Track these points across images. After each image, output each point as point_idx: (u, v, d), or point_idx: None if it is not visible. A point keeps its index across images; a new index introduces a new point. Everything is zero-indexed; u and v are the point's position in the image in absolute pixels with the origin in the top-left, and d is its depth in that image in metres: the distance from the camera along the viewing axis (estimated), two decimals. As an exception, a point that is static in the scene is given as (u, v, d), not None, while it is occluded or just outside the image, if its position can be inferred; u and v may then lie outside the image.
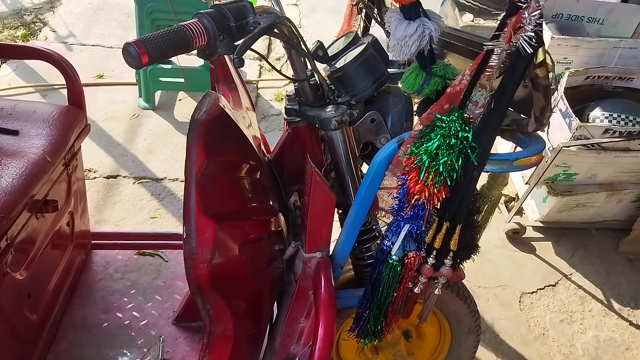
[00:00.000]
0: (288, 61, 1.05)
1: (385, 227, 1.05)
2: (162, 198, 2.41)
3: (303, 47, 1.00)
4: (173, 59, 2.85)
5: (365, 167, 1.11)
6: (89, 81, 3.03)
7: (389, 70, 1.11)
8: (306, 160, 1.08)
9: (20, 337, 1.26)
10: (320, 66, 1.08)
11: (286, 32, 0.96)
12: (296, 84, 1.09)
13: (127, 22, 3.60)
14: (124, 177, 2.50)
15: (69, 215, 1.53)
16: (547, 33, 2.23)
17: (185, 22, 0.79)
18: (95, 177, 2.47)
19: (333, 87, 1.11)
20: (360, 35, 1.19)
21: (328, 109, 1.07)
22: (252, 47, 0.86)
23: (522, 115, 0.99)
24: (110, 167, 2.54)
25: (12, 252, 1.16)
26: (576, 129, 2.01)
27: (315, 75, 1.08)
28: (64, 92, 1.51)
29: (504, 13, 0.78)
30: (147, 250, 1.76)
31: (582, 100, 2.24)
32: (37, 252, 1.31)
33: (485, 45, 0.80)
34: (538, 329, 2.05)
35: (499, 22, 0.80)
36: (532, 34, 0.76)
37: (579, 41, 2.22)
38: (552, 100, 0.87)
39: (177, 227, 2.26)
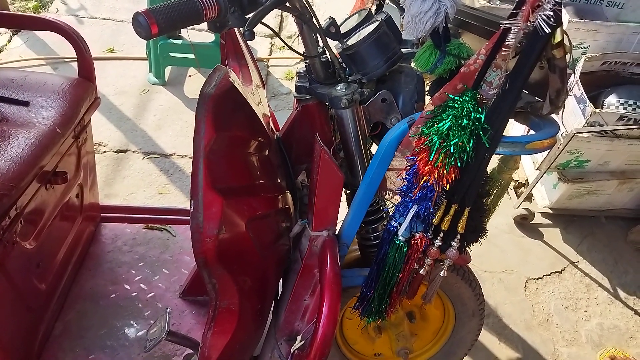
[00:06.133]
0: (299, 38, 1.04)
1: (393, 207, 1.05)
2: (171, 174, 2.41)
3: (315, 22, 0.98)
4: (184, 34, 2.83)
5: (374, 147, 1.10)
6: (99, 55, 3.02)
7: (401, 49, 1.09)
8: (315, 139, 1.07)
9: (29, 305, 1.28)
10: (332, 43, 1.06)
11: (298, 6, 0.94)
12: (307, 60, 1.07)
13: (139, -4, 3.57)
14: (134, 151, 2.51)
15: (79, 188, 1.54)
16: (565, 16, 2.18)
17: (196, -7, 0.78)
18: (105, 151, 2.48)
19: (344, 65, 1.09)
20: (373, 12, 1.17)
21: (339, 87, 1.05)
22: (263, 21, 0.85)
23: (536, 97, 0.97)
24: (120, 141, 2.54)
25: (21, 222, 1.17)
26: (590, 115, 1.98)
27: (327, 52, 1.06)
28: (75, 65, 1.51)
29: (523, -9, 0.76)
30: (155, 225, 1.77)
31: (597, 86, 2.20)
32: (46, 222, 1.33)
33: (503, 23, 0.78)
34: (542, 315, 2.05)
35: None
36: (551, 13, 0.74)
37: (597, 25, 2.17)
38: (568, 83, 0.85)
39: (185, 203, 2.27)
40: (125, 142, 2.54)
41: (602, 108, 2.12)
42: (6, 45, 3.03)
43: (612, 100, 2.13)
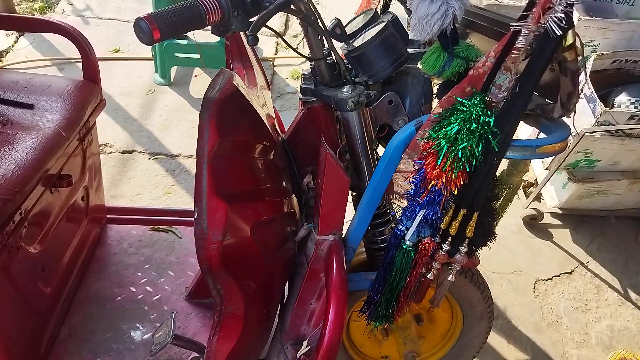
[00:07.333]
0: (304, 39, 1.02)
1: (400, 211, 1.03)
2: (177, 174, 2.41)
3: (320, 24, 0.97)
4: (189, 34, 2.82)
5: (381, 150, 1.09)
6: (105, 55, 3.02)
7: (408, 50, 1.07)
8: (321, 141, 1.06)
9: (34, 309, 1.28)
10: (338, 45, 1.05)
11: (303, 9, 0.93)
12: (312, 62, 1.06)
13: (144, -4, 3.56)
14: (139, 152, 2.50)
15: (84, 190, 1.54)
16: (574, 14, 2.15)
17: (199, -3, 0.77)
18: (111, 152, 2.48)
19: (350, 67, 1.08)
20: (379, 13, 1.15)
21: (344, 89, 1.04)
22: (267, 23, 0.84)
23: (547, 100, 0.95)
24: (126, 142, 2.54)
25: (26, 226, 1.17)
26: (600, 115, 1.95)
27: (332, 54, 1.04)
28: (81, 65, 1.50)
29: (533, -8, 0.74)
30: (161, 226, 1.76)
31: (607, 84, 2.17)
32: (51, 226, 1.32)
33: (513, 25, 0.76)
34: (552, 316, 2.03)
35: (527, 1, 0.76)
36: (562, 15, 0.72)
37: (607, 23, 2.14)
38: (579, 86, 0.83)
39: (191, 204, 2.25)
40: (131, 143, 2.54)
41: (612, 107, 2.09)
42: (13, 46, 3.03)
43: (623, 99, 2.10)
